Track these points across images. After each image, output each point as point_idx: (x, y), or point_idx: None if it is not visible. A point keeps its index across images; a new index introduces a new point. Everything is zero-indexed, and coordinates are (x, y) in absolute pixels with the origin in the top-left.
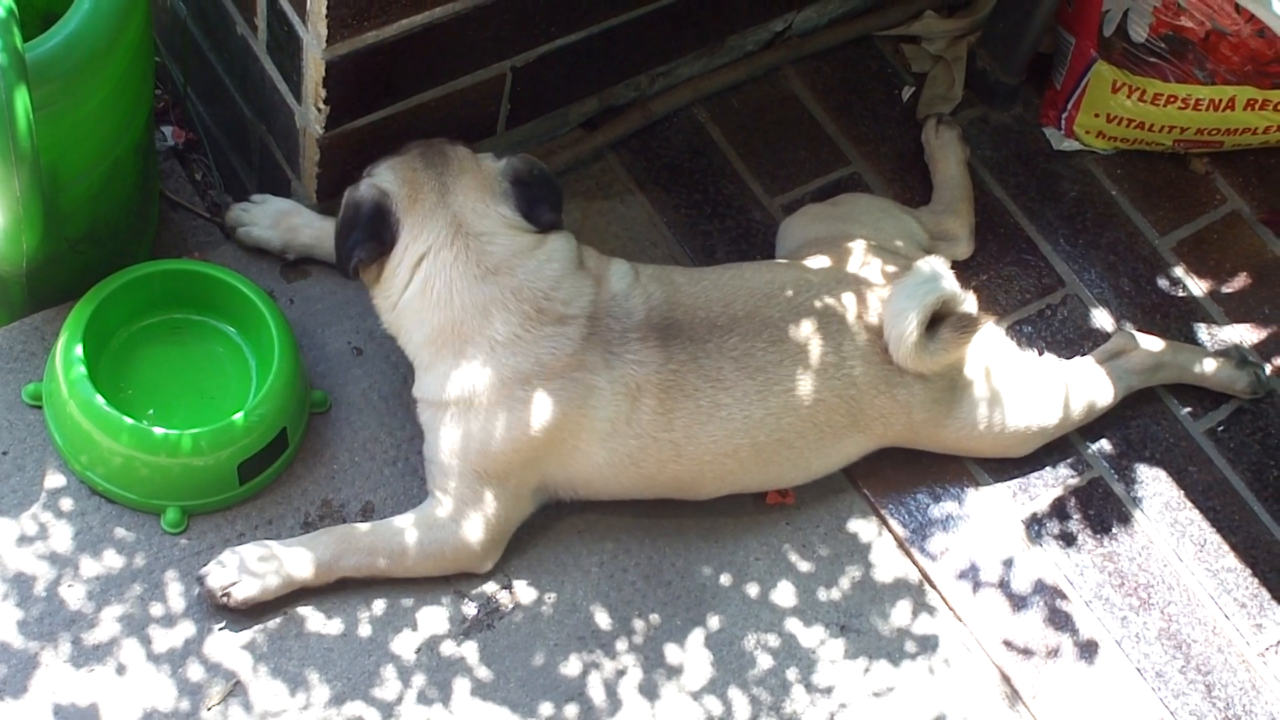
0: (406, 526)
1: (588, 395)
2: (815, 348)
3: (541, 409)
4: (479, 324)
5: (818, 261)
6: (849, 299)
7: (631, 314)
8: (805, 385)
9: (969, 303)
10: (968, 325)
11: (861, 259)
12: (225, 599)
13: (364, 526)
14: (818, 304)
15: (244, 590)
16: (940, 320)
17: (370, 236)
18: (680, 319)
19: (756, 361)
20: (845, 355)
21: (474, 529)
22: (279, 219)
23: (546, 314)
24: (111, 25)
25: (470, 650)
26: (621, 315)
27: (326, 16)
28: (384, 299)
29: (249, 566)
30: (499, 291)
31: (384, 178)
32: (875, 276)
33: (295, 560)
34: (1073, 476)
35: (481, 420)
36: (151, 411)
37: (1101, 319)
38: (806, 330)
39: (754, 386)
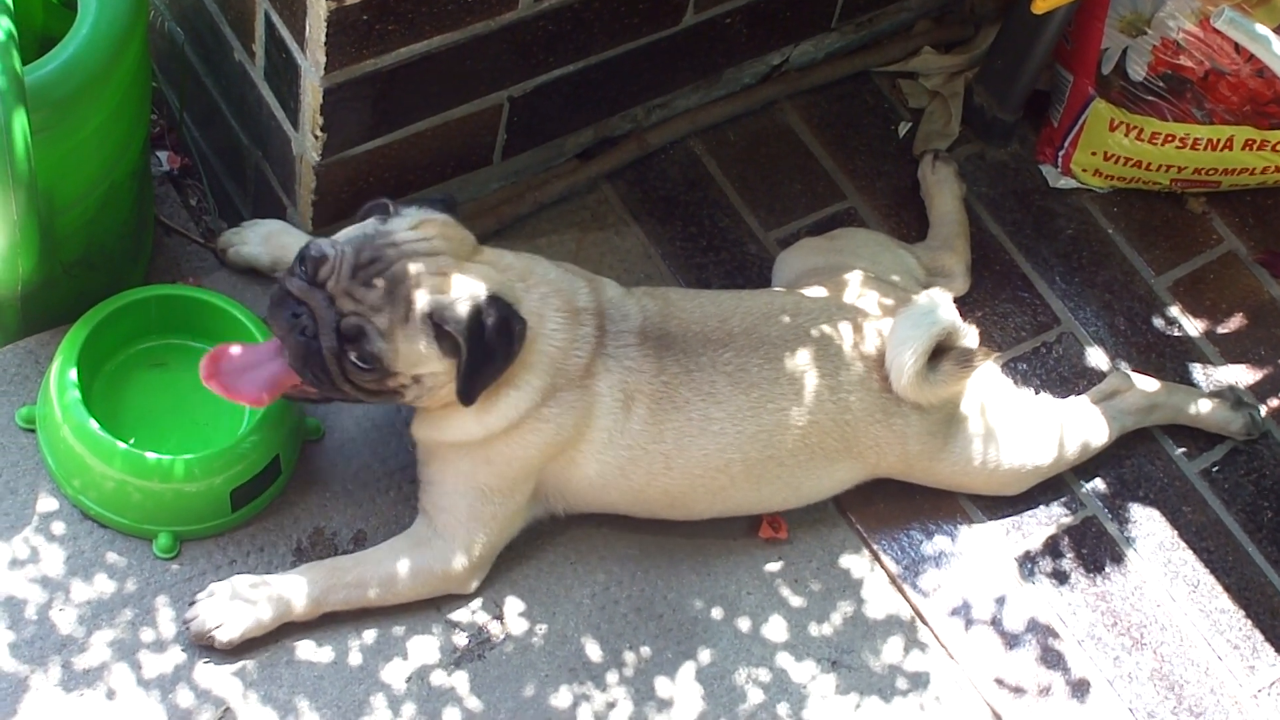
0: (395, 552)
1: (593, 404)
2: (811, 369)
3: (561, 424)
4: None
5: (815, 291)
6: (847, 326)
7: (628, 317)
8: (799, 405)
9: (971, 336)
10: (969, 359)
11: (859, 290)
12: (210, 641)
13: (349, 560)
14: (816, 328)
15: (228, 633)
16: (942, 353)
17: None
18: (674, 331)
19: (751, 377)
20: (842, 380)
21: (466, 549)
22: (269, 237)
23: (573, 312)
24: (110, 50)
25: (461, 680)
26: (618, 318)
27: (325, 44)
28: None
29: (234, 609)
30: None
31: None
32: (872, 308)
33: (281, 600)
34: (1066, 515)
35: (503, 447)
36: (132, 440)
37: (1096, 357)
38: (803, 352)
39: (747, 402)
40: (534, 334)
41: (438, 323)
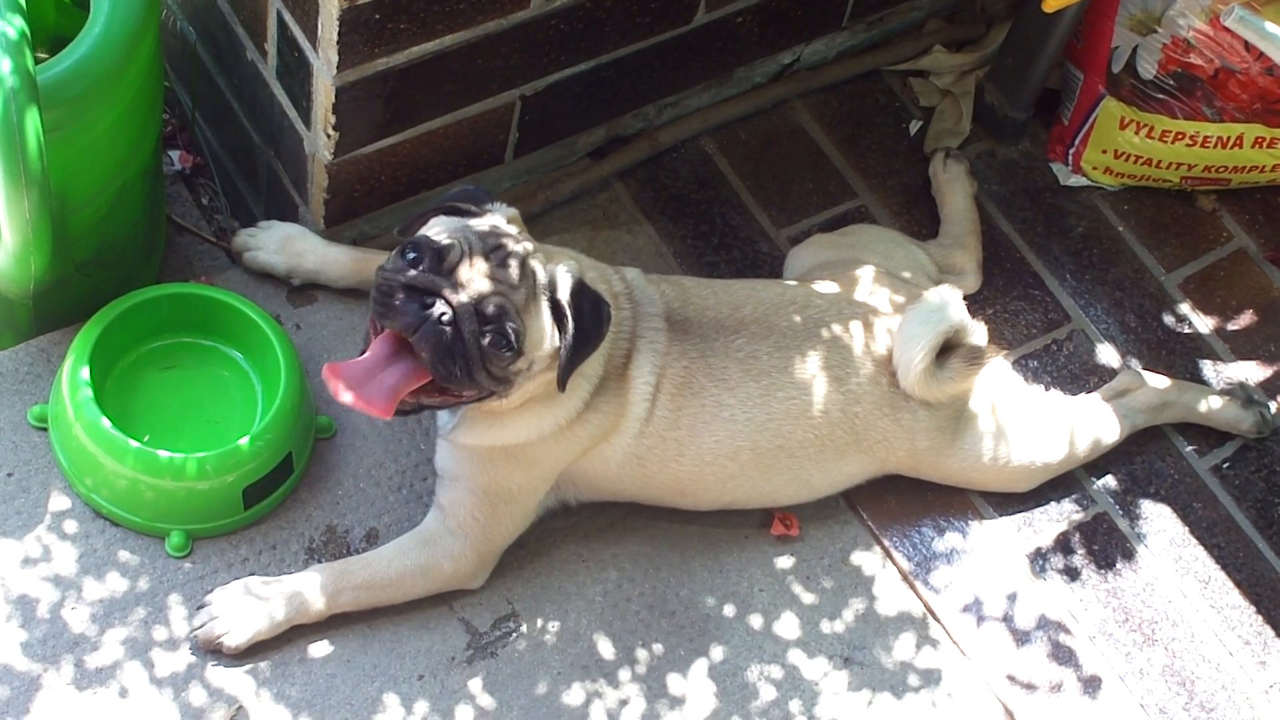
0: (403, 551)
1: (628, 392)
2: (821, 360)
3: (605, 415)
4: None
5: (827, 286)
6: (857, 320)
7: (654, 301)
8: (809, 395)
9: (980, 333)
10: (978, 357)
11: (870, 286)
12: (219, 647)
13: (358, 562)
14: (827, 320)
15: (236, 639)
16: (950, 349)
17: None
18: (692, 316)
19: (761, 365)
20: (851, 372)
21: (479, 547)
22: (285, 244)
23: (613, 297)
24: (122, 49)
25: (473, 678)
26: (645, 302)
27: (337, 43)
28: (543, 381)
29: (241, 615)
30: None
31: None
32: (883, 303)
33: (289, 604)
34: (1077, 512)
35: (551, 445)
36: (147, 438)
37: (1107, 355)
38: (813, 343)
39: (758, 389)
40: None
41: (555, 299)
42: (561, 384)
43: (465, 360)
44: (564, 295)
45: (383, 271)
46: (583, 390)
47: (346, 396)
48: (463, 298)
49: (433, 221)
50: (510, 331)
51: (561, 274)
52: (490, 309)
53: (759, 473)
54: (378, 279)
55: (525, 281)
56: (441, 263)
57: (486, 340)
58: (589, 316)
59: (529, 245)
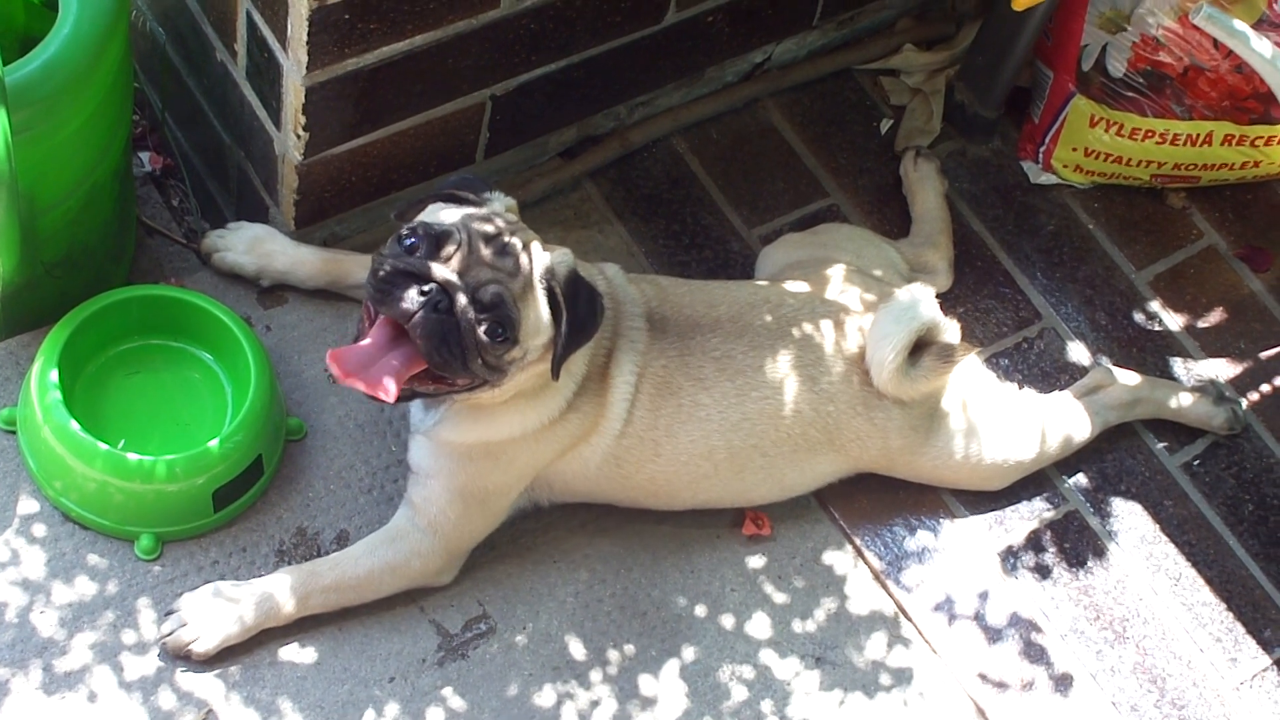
0: (371, 551)
1: (609, 392)
2: (794, 359)
3: (584, 415)
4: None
5: (798, 285)
6: (829, 319)
7: (634, 300)
8: (783, 394)
9: (952, 331)
10: (950, 355)
11: (842, 285)
12: (188, 654)
13: (326, 564)
14: (799, 319)
15: (205, 645)
16: (923, 348)
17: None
18: (669, 315)
19: (736, 364)
20: (823, 371)
21: (448, 546)
22: (254, 245)
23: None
24: (91, 50)
25: (444, 680)
26: (626, 300)
27: (307, 43)
28: (534, 373)
29: (209, 621)
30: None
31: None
32: (855, 302)
33: (258, 609)
34: (1049, 510)
35: (532, 444)
36: (122, 443)
37: (1078, 352)
38: (787, 341)
39: (733, 389)
40: None
41: (550, 286)
42: (555, 372)
43: (461, 348)
44: (560, 284)
45: (380, 257)
46: (566, 389)
47: (353, 381)
48: (459, 285)
49: (430, 208)
50: (507, 320)
51: (558, 263)
52: (487, 297)
53: (733, 472)
54: (375, 264)
55: (522, 270)
56: (439, 250)
57: (483, 328)
58: (584, 307)
59: (526, 234)
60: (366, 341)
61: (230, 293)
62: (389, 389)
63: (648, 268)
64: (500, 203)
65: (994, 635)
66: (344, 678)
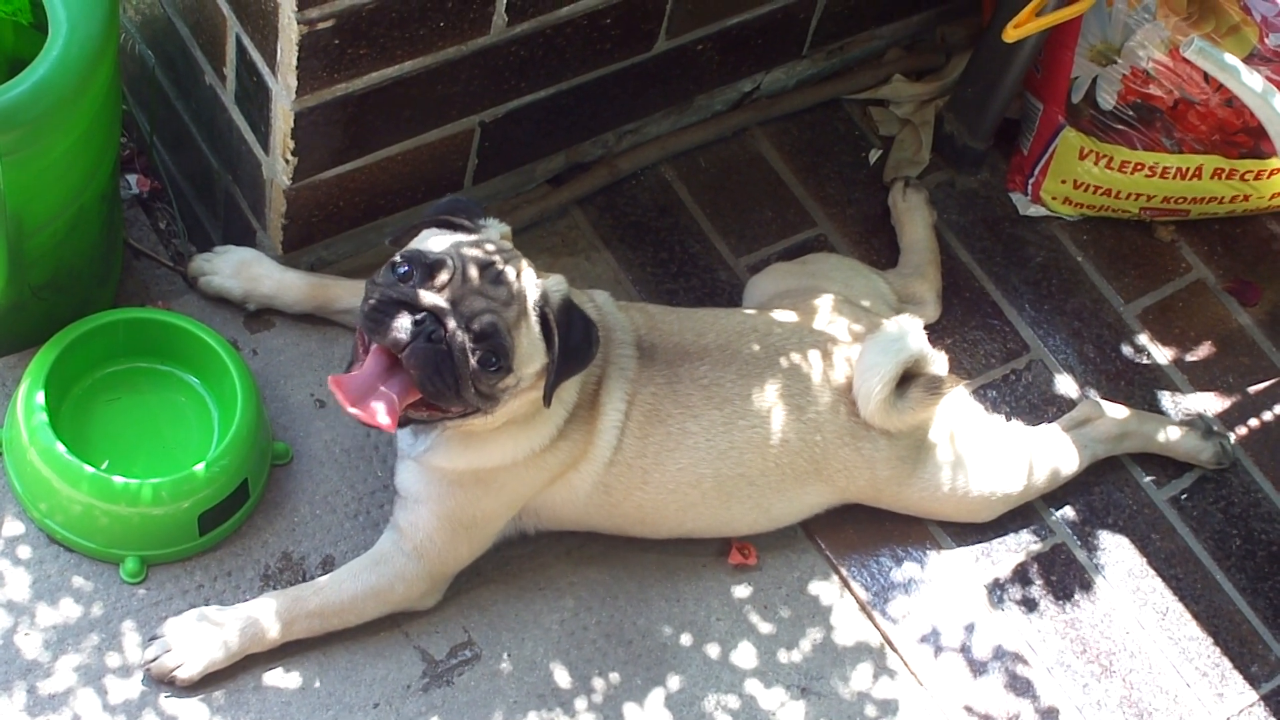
0: (355, 576)
1: (598, 420)
2: (783, 389)
3: (574, 443)
4: None
5: (786, 315)
6: (817, 349)
7: (624, 328)
8: (770, 423)
9: (940, 363)
10: (937, 386)
11: (830, 315)
12: (172, 680)
13: (309, 589)
14: (786, 349)
15: (189, 671)
16: (910, 379)
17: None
18: (658, 343)
19: (724, 393)
20: (810, 401)
21: (433, 572)
22: (240, 268)
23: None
24: (80, 73)
25: (428, 706)
26: (615, 327)
27: (296, 68)
28: (526, 400)
29: (193, 647)
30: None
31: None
32: (843, 332)
33: (242, 635)
34: (1035, 542)
35: (521, 472)
36: (106, 464)
37: (1066, 385)
38: (775, 371)
39: (720, 417)
40: None
41: (544, 314)
42: (547, 399)
43: (455, 377)
44: (554, 312)
45: (373, 285)
46: (558, 417)
47: (351, 409)
48: (453, 315)
49: (424, 234)
50: (500, 349)
51: (552, 290)
52: (480, 326)
53: (720, 501)
54: (368, 292)
55: (516, 298)
56: (432, 278)
57: (476, 357)
58: (578, 335)
59: (521, 262)
60: (364, 369)
61: (217, 316)
62: (387, 420)
63: (635, 295)
64: (495, 229)
65: (980, 668)
66: (328, 703)
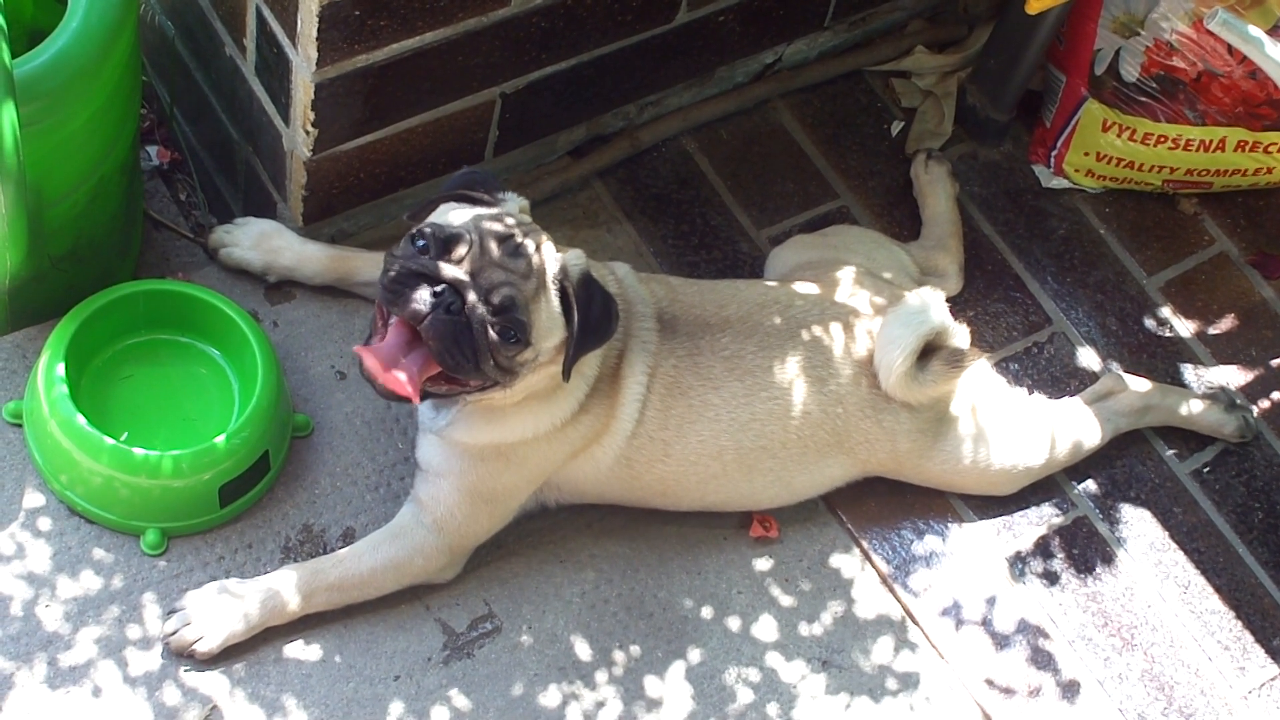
0: (375, 548)
1: (620, 393)
2: (803, 361)
3: (596, 417)
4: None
5: (808, 286)
6: (838, 322)
7: (645, 300)
8: (791, 395)
9: (961, 336)
10: (959, 359)
11: (851, 287)
12: (192, 653)
13: (329, 561)
14: (808, 321)
15: (209, 644)
16: (932, 352)
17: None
18: (679, 315)
19: (746, 364)
20: (832, 374)
21: (453, 544)
22: (260, 240)
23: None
24: (100, 43)
25: (449, 679)
26: (636, 300)
27: (317, 39)
28: (546, 374)
29: (213, 620)
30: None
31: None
32: (864, 305)
33: (261, 608)
34: (1057, 515)
35: (542, 447)
36: (125, 435)
37: (1088, 358)
38: (797, 343)
39: (742, 389)
40: None
41: (563, 288)
42: (566, 374)
43: (473, 350)
44: (573, 286)
45: (392, 257)
46: (579, 391)
47: (380, 378)
48: (471, 288)
49: (443, 208)
50: (518, 322)
51: (571, 264)
52: (499, 299)
53: (741, 473)
54: (387, 264)
55: (535, 272)
56: (451, 251)
57: (495, 331)
58: (598, 309)
59: (539, 235)
60: (387, 340)
61: (237, 288)
62: (411, 391)
63: (656, 268)
64: (514, 203)
65: (1001, 641)
66: (349, 676)
